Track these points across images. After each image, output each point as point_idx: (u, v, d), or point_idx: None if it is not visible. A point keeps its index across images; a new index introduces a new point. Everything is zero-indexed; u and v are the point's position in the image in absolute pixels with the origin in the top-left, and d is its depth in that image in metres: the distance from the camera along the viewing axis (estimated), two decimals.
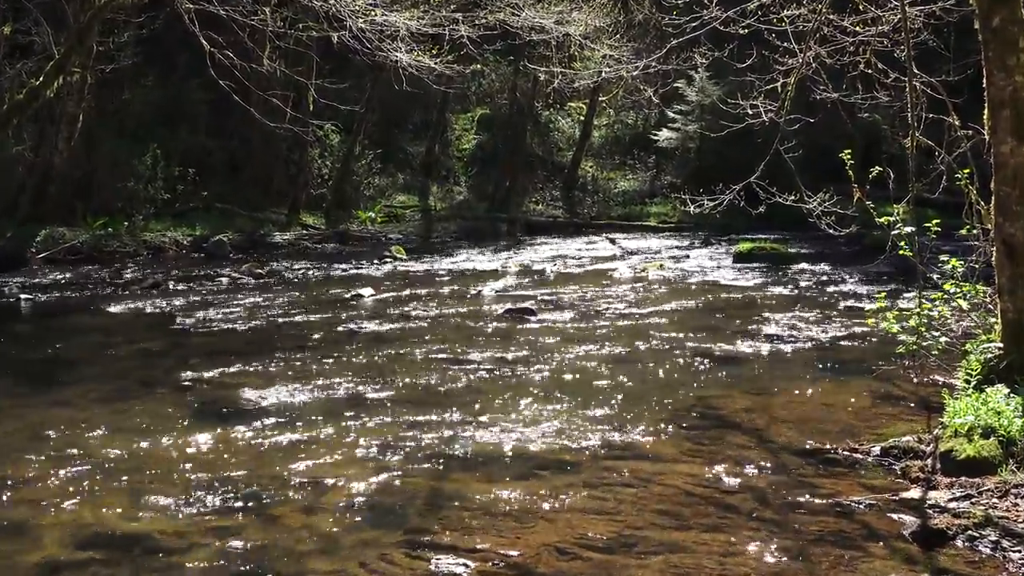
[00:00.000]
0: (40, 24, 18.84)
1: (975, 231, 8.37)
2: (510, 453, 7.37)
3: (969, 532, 5.59)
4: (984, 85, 7.23)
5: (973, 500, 5.98)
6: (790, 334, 11.61)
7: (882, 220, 8.61)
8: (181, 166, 23.75)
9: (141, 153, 23.51)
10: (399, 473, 6.93)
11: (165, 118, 25.53)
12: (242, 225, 23.78)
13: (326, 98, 18.62)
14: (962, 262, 8.52)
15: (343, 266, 19.50)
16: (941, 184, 8.77)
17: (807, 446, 7.42)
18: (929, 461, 6.75)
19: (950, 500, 6.05)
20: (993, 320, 7.86)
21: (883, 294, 9.25)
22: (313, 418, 8.29)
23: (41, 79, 15.60)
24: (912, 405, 8.55)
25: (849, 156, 9.01)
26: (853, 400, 8.78)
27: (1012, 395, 6.79)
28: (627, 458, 7.24)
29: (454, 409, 8.52)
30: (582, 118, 32.67)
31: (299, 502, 6.40)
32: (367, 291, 15.48)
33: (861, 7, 9.79)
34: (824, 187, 10.05)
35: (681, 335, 11.78)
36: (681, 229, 25.98)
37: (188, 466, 7.11)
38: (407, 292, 15.75)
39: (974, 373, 7.42)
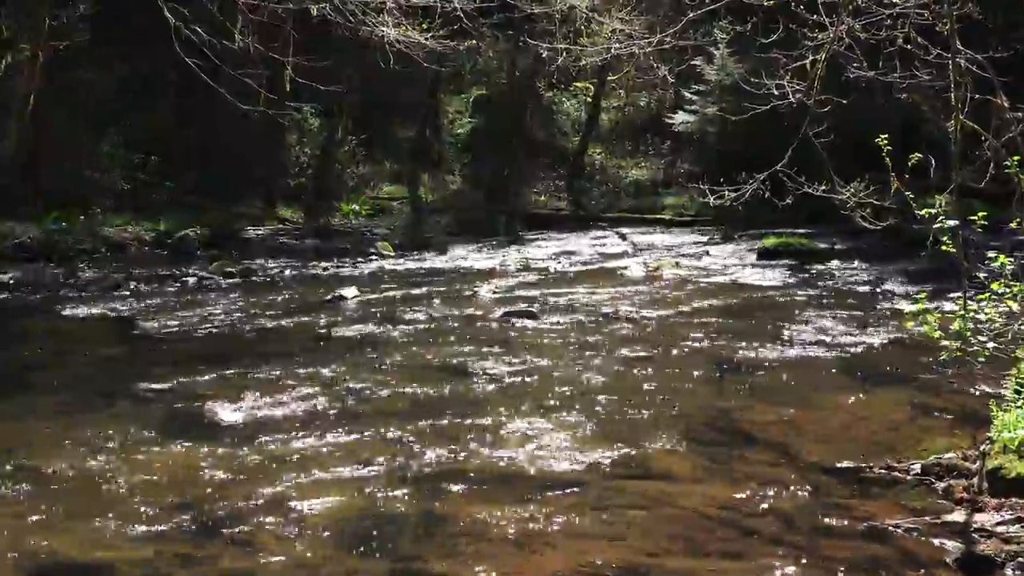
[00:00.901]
0: None
1: None
2: (509, 471, 7.38)
3: (1020, 559, 5.60)
4: None
5: None
6: (820, 339, 11.61)
7: (923, 212, 8.60)
8: (143, 153, 23.71)
9: (99, 139, 23.48)
10: (387, 494, 6.93)
11: (125, 100, 25.50)
12: (211, 219, 23.69)
13: (304, 78, 18.59)
14: (1012, 259, 8.52)
15: (324, 264, 19.48)
16: (988, 172, 8.76)
17: (838, 464, 7.43)
18: (975, 480, 6.76)
19: (998, 524, 6.05)
20: None
21: (923, 295, 9.22)
22: (291, 433, 8.29)
23: None
24: (956, 418, 8.56)
25: (886, 141, 9.00)
26: (890, 412, 8.78)
27: None
28: (638, 477, 7.25)
29: (447, 423, 8.52)
30: (589, 100, 32.65)
31: (275, 526, 6.40)
32: (350, 292, 15.46)
33: None
34: (858, 176, 10.03)
35: (698, 340, 11.79)
36: (699, 223, 25.92)
37: (152, 487, 7.10)
38: (395, 293, 15.74)
39: None
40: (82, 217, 21.66)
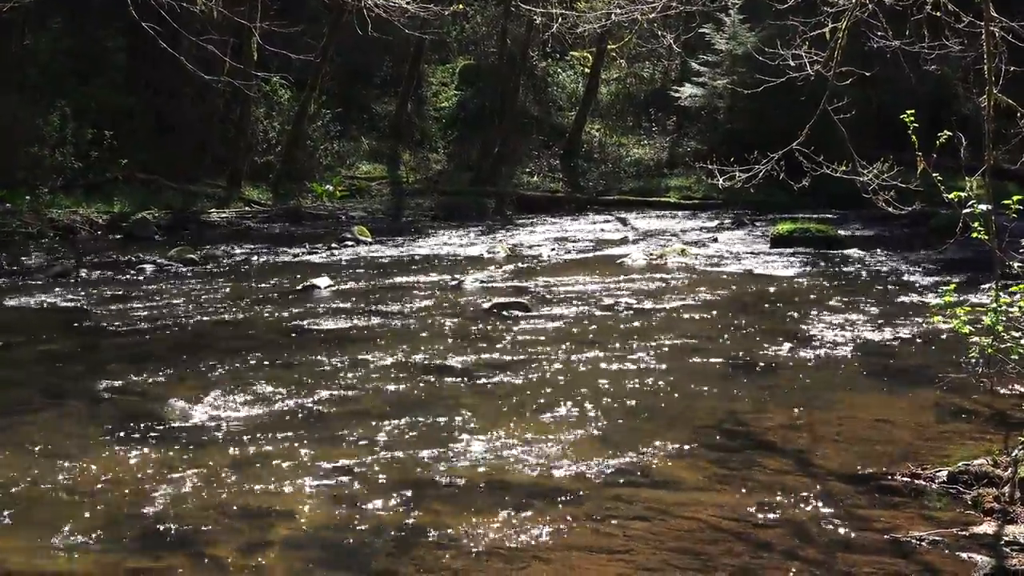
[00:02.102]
0: None
1: None
2: (497, 479, 7.38)
3: None
4: None
5: None
6: (838, 335, 11.64)
7: (951, 196, 8.62)
8: (96, 128, 23.66)
9: (46, 112, 23.42)
10: (361, 503, 6.93)
11: (76, 69, 25.43)
12: (170, 200, 23.72)
13: (274, 45, 18.53)
14: None
15: (294, 250, 19.48)
16: None
17: (858, 471, 7.45)
18: (1007, 489, 6.78)
19: None
20: None
21: (952, 286, 9.28)
22: (256, 436, 8.29)
23: None
24: (986, 421, 8.58)
25: (912, 118, 9.02)
26: (914, 415, 8.80)
27: None
28: (640, 485, 7.26)
29: (428, 425, 8.52)
30: (587, 71, 32.67)
31: (239, 538, 6.40)
32: (323, 281, 15.46)
33: None
34: (882, 156, 10.05)
35: (706, 336, 11.80)
36: (707, 207, 26.03)
37: (102, 494, 7.09)
38: (372, 282, 15.73)
39: None
40: (28, 197, 21.61)
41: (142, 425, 8.58)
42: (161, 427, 8.55)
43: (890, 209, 9.57)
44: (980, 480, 7.04)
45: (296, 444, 8.07)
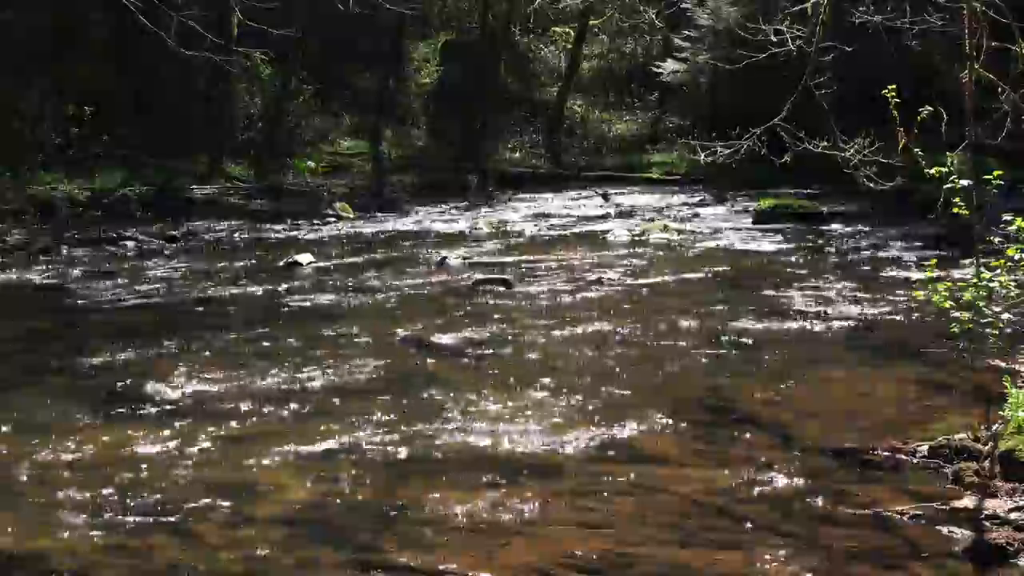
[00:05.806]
0: None
1: None
2: (480, 455, 7.38)
3: None
4: None
5: None
6: (820, 310, 11.66)
7: (933, 172, 8.62)
8: (76, 104, 23.49)
9: (26, 88, 23.24)
10: (345, 479, 6.92)
11: (56, 46, 25.21)
12: (152, 177, 23.56)
13: (254, 20, 18.44)
14: None
15: (276, 227, 19.41)
16: (1005, 128, 8.78)
17: (839, 445, 7.46)
18: (986, 463, 6.81)
19: (1011, 510, 6.10)
20: None
21: (933, 261, 9.27)
22: (240, 413, 8.27)
23: None
24: (967, 396, 8.62)
25: (894, 93, 9.01)
26: (895, 390, 8.83)
27: None
28: (622, 461, 7.27)
29: (411, 401, 8.51)
30: (569, 46, 32.55)
31: (223, 515, 6.39)
32: (305, 258, 15.42)
33: None
34: (864, 131, 10.05)
35: (689, 311, 11.81)
36: (689, 182, 25.99)
37: (86, 471, 7.06)
38: (354, 259, 15.70)
39: None
40: (8, 174, 21.46)
41: (125, 403, 8.55)
42: (143, 404, 8.51)
43: (871, 184, 9.58)
44: (961, 454, 7.06)
45: (279, 421, 8.06)
